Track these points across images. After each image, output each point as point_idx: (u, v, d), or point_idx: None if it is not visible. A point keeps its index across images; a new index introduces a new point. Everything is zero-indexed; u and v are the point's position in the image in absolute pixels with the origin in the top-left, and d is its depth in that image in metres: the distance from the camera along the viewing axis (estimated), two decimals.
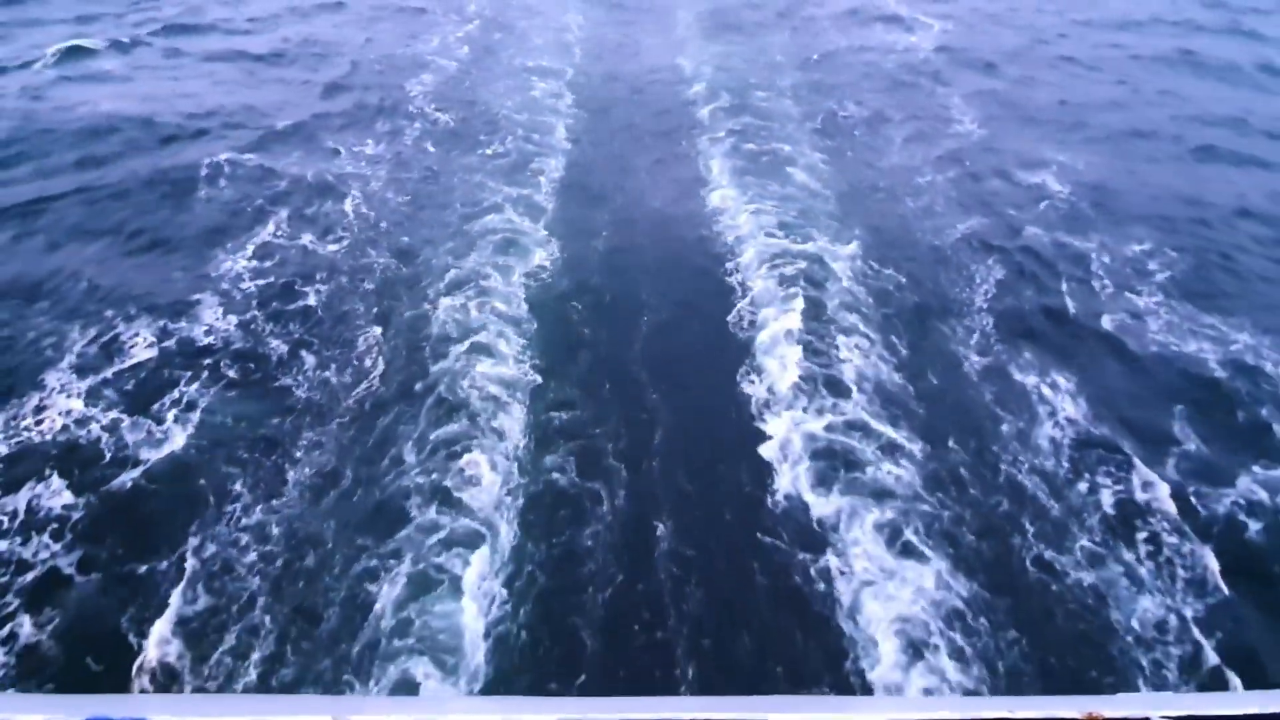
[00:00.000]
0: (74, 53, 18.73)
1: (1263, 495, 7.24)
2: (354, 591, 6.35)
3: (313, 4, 24.27)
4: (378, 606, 6.19)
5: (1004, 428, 8.04)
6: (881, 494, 7.16)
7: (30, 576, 6.39)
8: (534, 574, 6.48)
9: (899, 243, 11.55)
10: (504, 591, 6.31)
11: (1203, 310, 9.98)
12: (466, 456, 7.39)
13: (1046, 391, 8.61)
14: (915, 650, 5.91)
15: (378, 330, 9.29)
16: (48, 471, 7.18)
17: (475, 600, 6.19)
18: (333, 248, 11.15)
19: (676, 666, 5.87)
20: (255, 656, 5.86)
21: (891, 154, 14.76)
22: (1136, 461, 7.62)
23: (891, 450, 7.62)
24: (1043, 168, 14.04)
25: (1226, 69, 19.95)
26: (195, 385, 8.33)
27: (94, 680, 5.76)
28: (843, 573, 6.48)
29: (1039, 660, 5.95)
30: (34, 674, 5.74)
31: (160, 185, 12.67)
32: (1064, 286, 10.48)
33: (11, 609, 6.15)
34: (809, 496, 7.18)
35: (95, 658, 5.92)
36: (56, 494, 7.01)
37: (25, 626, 6.06)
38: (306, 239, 11.32)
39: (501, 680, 5.69)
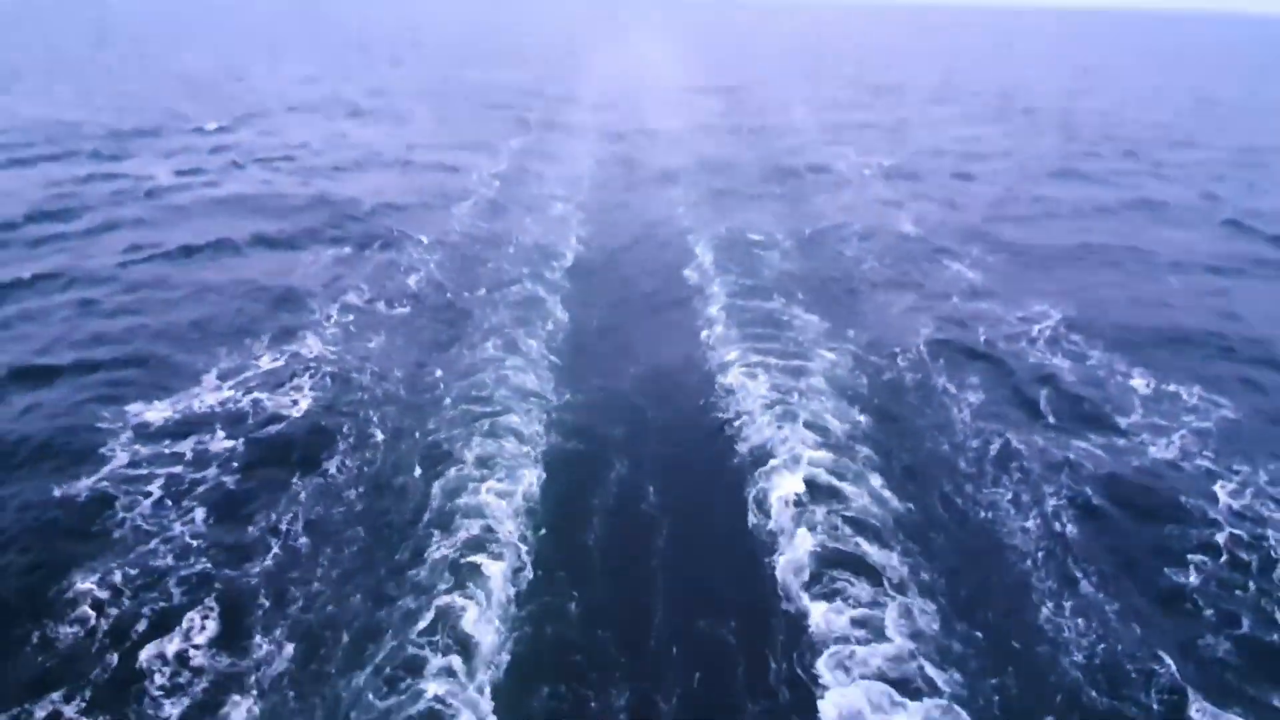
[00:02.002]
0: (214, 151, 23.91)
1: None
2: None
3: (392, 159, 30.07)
4: None
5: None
6: None
7: (202, 489, 9.63)
8: None
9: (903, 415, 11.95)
10: None
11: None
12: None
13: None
14: None
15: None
16: (213, 427, 10.61)
17: None
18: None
19: None
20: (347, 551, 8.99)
21: (883, 309, 16.08)
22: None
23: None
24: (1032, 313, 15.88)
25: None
26: (304, 384, 11.89)
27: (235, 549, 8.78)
28: None
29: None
30: (208, 542, 8.86)
31: (276, 253, 16.93)
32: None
33: (192, 507, 9.35)
34: None
35: (241, 536, 8.98)
36: (219, 441, 10.39)
37: (198, 517, 9.22)
38: (380, 305, 15.38)
39: None
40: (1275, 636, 8.07)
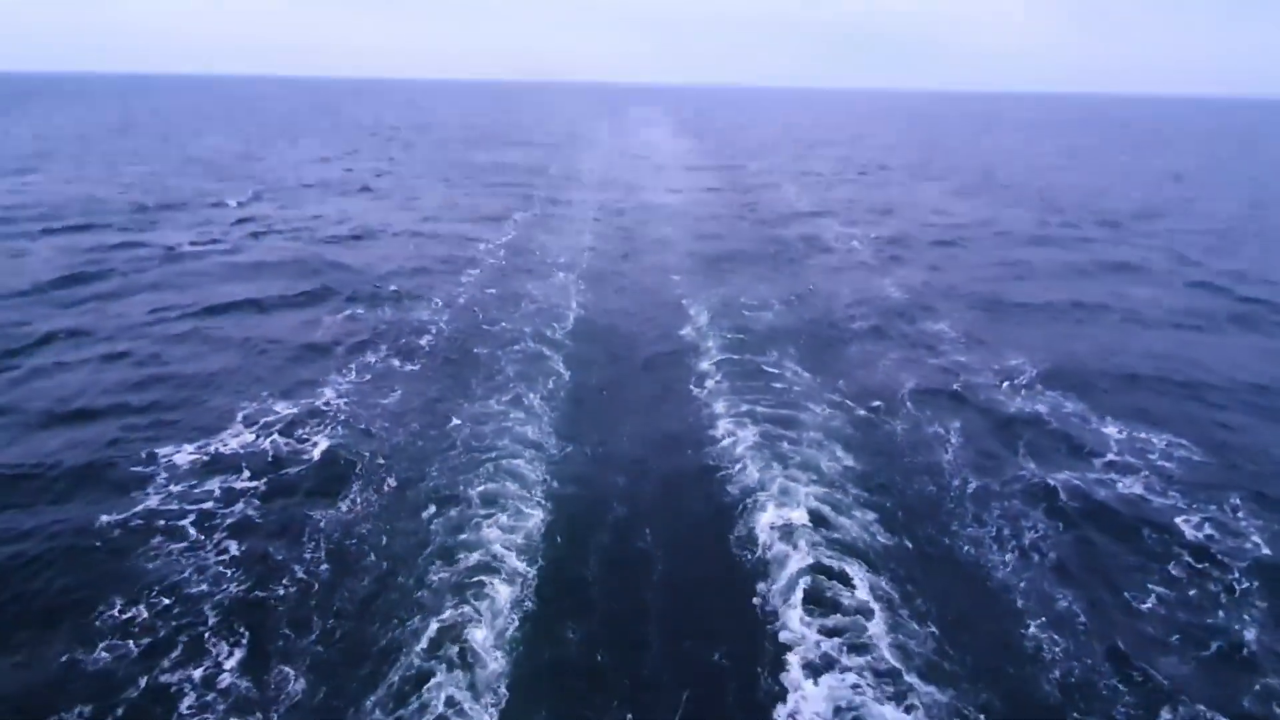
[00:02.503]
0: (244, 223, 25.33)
1: None
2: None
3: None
4: None
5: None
6: None
7: (230, 522, 10.23)
8: None
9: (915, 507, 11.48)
10: None
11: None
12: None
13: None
14: None
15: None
16: (238, 468, 11.29)
17: None
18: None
19: None
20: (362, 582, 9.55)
21: (869, 362, 16.82)
22: None
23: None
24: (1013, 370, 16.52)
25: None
26: (321, 429, 12.62)
27: (273, 567, 9.33)
28: None
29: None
30: (240, 567, 9.42)
31: (295, 312, 17.92)
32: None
33: (222, 539, 9.93)
34: None
35: (266, 565, 9.54)
36: (243, 480, 11.05)
37: (230, 548, 9.80)
38: (394, 360, 16.28)
39: None
40: (1220, 645, 8.59)
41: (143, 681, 7.70)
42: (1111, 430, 13.70)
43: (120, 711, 7.43)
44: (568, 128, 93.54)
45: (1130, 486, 11.79)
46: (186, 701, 7.51)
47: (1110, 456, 12.76)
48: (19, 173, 40.94)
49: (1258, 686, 8.14)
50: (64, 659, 7.94)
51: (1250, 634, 8.83)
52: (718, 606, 9.33)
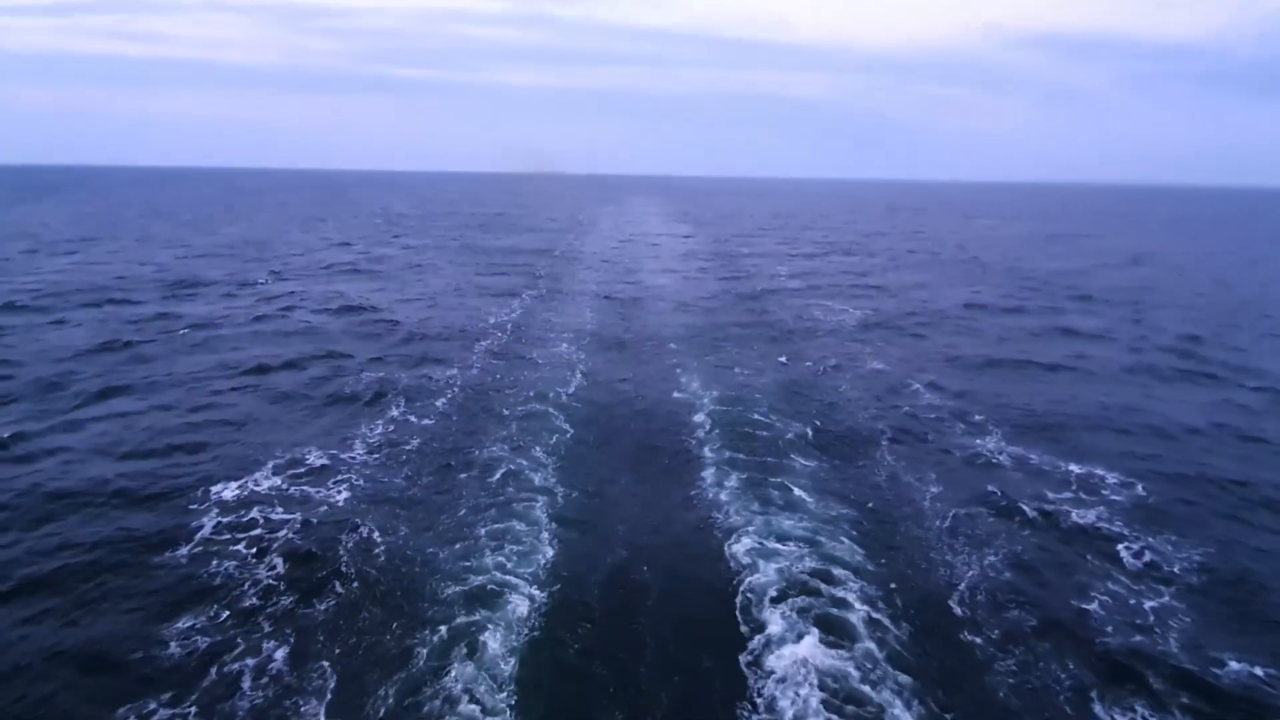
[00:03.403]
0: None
1: None
2: None
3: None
4: None
5: None
6: None
7: (276, 547, 11.52)
8: None
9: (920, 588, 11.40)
10: None
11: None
12: None
13: None
14: None
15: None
16: (275, 505, 12.66)
17: None
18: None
19: None
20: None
21: (853, 421, 17.97)
22: None
23: None
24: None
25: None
26: (348, 473, 14.03)
27: (310, 587, 10.58)
28: None
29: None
30: (285, 582, 10.68)
31: (325, 373, 19.57)
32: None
33: (273, 561, 11.21)
34: None
35: (308, 583, 10.77)
36: (280, 513, 12.40)
37: (279, 566, 11.05)
38: (411, 417, 17.82)
39: None
40: (1137, 640, 9.79)
41: (213, 671, 8.93)
42: (1068, 470, 15.23)
43: (194, 697, 8.65)
44: (570, 215, 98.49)
45: (1080, 519, 13.17)
46: (246, 684, 8.72)
47: (1067, 494, 14.21)
48: (64, 254, 43.87)
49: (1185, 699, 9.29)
50: (144, 657, 9.18)
51: (1173, 644, 10.02)
52: (705, 620, 10.44)
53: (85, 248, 48.14)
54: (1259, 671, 9.38)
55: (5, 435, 15.58)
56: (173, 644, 9.46)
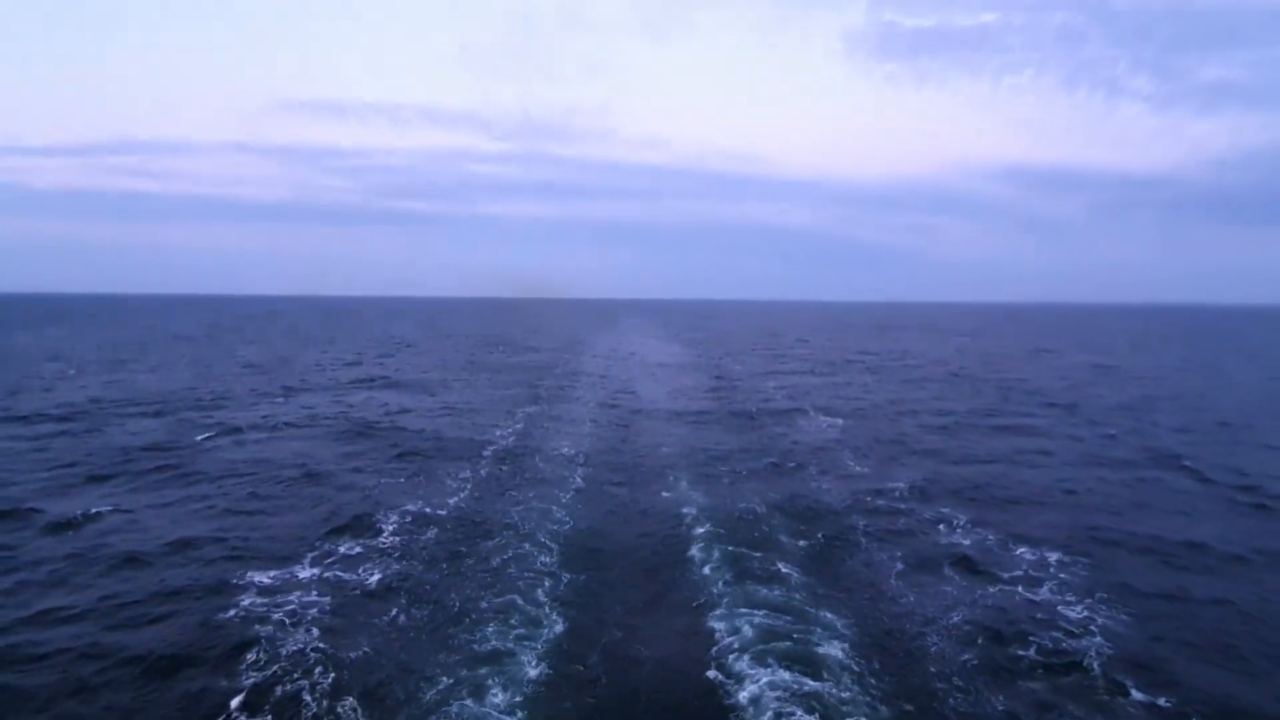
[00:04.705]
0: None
1: None
2: None
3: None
4: None
5: None
6: None
7: (312, 614, 12.99)
8: None
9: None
10: None
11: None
12: None
13: None
14: None
15: None
16: (311, 590, 14.20)
17: None
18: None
19: None
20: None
21: (832, 512, 19.76)
22: None
23: None
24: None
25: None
26: (374, 560, 15.62)
27: (336, 655, 12.00)
28: None
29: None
30: (319, 651, 12.10)
31: (348, 474, 21.36)
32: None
33: (311, 628, 12.68)
34: None
35: (339, 642, 12.19)
36: (314, 596, 13.94)
37: (314, 632, 12.51)
38: (426, 509, 19.50)
39: None
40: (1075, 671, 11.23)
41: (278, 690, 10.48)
42: (1021, 551, 16.87)
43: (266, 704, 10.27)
44: (569, 335, 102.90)
45: (1031, 593, 14.74)
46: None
47: (1018, 571, 15.80)
48: (94, 373, 46.55)
49: None
50: (216, 675, 10.74)
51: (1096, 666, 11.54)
52: (685, 667, 11.83)
53: (116, 369, 51.03)
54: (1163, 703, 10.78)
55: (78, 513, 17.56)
56: (235, 675, 10.97)
